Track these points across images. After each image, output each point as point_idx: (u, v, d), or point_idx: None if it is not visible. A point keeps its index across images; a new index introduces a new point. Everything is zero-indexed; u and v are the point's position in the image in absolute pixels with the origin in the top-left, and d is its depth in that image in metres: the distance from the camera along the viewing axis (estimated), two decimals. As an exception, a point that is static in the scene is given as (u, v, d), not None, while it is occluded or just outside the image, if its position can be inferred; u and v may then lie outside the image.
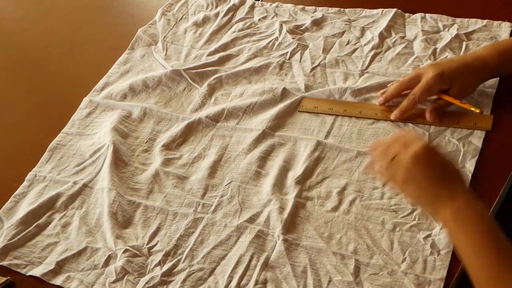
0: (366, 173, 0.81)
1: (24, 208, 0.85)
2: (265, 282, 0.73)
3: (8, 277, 0.77)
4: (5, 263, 0.79)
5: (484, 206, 0.67)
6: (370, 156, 0.76)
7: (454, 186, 0.67)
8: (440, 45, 0.99)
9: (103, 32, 1.20)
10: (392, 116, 0.88)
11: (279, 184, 0.83)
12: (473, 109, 0.85)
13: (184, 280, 0.74)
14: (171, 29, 1.15)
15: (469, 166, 0.80)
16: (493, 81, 0.91)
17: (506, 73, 0.89)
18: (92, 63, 1.12)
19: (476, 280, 0.64)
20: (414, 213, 0.76)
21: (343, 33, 1.07)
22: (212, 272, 0.75)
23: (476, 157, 0.81)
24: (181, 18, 1.17)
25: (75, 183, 0.88)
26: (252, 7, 1.16)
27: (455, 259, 0.71)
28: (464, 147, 0.83)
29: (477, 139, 0.84)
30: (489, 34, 1.00)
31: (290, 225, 0.78)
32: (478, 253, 0.64)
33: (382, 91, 0.92)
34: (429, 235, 0.74)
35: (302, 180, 0.83)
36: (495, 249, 0.63)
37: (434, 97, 0.88)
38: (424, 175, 0.68)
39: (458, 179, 0.69)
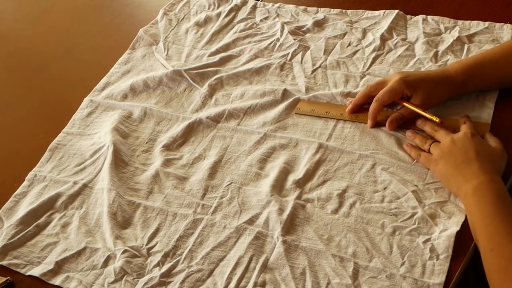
0: (405, 151, 0.84)
1: (24, 208, 0.85)
2: (264, 284, 0.73)
3: (8, 277, 0.77)
4: (4, 262, 0.79)
5: (505, 189, 0.72)
6: (409, 139, 0.85)
7: (484, 166, 0.74)
8: (441, 47, 0.99)
9: (103, 32, 1.20)
10: (368, 125, 0.88)
11: (279, 186, 0.83)
12: (434, 118, 0.84)
13: (183, 281, 0.74)
14: (173, 29, 1.15)
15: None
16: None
17: (473, 89, 0.89)
18: (92, 63, 1.12)
19: (482, 253, 0.69)
20: (414, 217, 0.76)
21: (344, 34, 1.07)
22: (211, 273, 0.75)
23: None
24: (183, 18, 1.17)
25: (75, 183, 0.88)
26: (254, 7, 1.16)
27: (454, 264, 0.71)
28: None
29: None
30: (491, 36, 1.00)
31: (290, 226, 0.78)
32: (486, 226, 0.69)
33: (350, 99, 0.92)
34: (428, 240, 0.73)
35: (302, 183, 0.83)
36: (502, 224, 0.68)
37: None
38: (457, 155, 0.77)
39: (490, 161, 0.76)
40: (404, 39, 1.03)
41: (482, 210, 0.71)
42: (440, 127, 0.83)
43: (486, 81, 0.88)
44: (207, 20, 1.15)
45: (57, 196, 0.86)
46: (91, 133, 0.96)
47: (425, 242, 0.73)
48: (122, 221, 0.82)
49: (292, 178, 0.84)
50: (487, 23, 1.02)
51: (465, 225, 0.74)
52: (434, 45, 1.00)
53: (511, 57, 0.87)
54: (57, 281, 0.76)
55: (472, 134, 0.79)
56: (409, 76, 0.86)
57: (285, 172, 0.84)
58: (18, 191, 0.88)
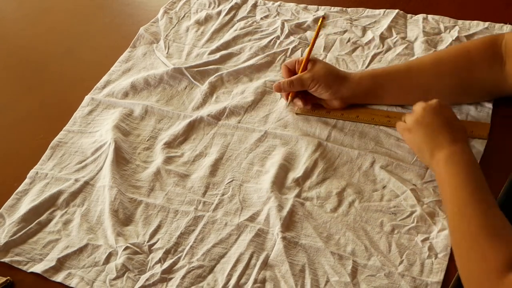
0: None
1: (25, 205, 0.85)
2: (264, 281, 0.73)
3: (8, 277, 0.77)
4: (6, 259, 0.79)
5: (475, 159, 0.75)
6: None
7: (456, 135, 0.76)
8: (440, 47, 1.00)
9: (103, 32, 1.20)
10: (274, 87, 0.92)
11: (279, 183, 0.83)
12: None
13: (184, 277, 0.75)
14: (173, 27, 1.15)
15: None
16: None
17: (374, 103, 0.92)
18: (92, 63, 1.12)
19: (450, 217, 0.72)
20: (413, 216, 0.77)
21: (344, 32, 1.07)
22: (211, 270, 0.75)
23: (478, 162, 0.81)
24: (183, 16, 1.18)
25: (76, 180, 0.88)
26: (255, 6, 1.17)
27: (452, 262, 0.71)
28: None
29: (479, 143, 0.84)
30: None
31: (289, 223, 0.78)
32: (456, 195, 0.72)
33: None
34: (427, 238, 0.74)
35: (302, 181, 0.83)
36: (472, 193, 0.71)
37: None
38: (430, 122, 0.79)
39: (461, 131, 0.78)
40: (403, 38, 1.03)
41: (453, 178, 0.73)
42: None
43: (387, 98, 0.90)
44: (207, 19, 1.15)
45: (59, 193, 0.86)
46: (92, 131, 0.96)
47: (423, 240, 0.74)
48: (123, 218, 0.82)
49: (291, 176, 0.84)
50: (487, 23, 1.03)
51: (463, 223, 0.74)
52: (433, 45, 1.01)
53: (413, 74, 0.88)
54: (59, 278, 0.77)
55: (442, 105, 0.81)
56: (320, 84, 0.89)
57: (285, 170, 0.85)
58: (20, 188, 0.88)
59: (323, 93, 0.90)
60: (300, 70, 0.91)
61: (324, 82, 0.89)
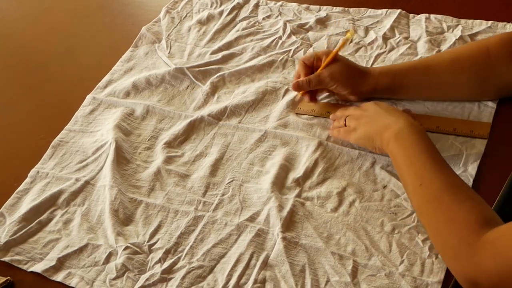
0: (332, 136, 0.89)
1: (26, 205, 0.85)
2: (264, 281, 0.73)
3: (8, 277, 0.77)
4: (6, 259, 0.79)
5: (425, 132, 0.77)
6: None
7: (399, 114, 0.80)
8: (444, 46, 0.99)
9: (103, 32, 1.20)
10: (293, 85, 0.92)
11: (279, 183, 0.83)
12: (347, 35, 0.91)
13: (184, 277, 0.75)
14: (175, 27, 1.15)
15: (471, 170, 0.80)
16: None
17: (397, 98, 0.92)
18: (92, 63, 1.12)
19: (412, 189, 0.72)
20: (413, 216, 0.76)
21: (347, 32, 1.07)
22: (211, 270, 0.75)
23: (478, 161, 0.81)
24: (185, 16, 1.18)
25: (77, 180, 0.88)
26: (257, 6, 1.17)
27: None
28: (467, 151, 0.83)
29: (480, 143, 0.84)
30: (493, 35, 1.00)
31: (289, 223, 0.78)
32: (413, 164, 0.73)
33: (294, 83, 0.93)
34: (427, 238, 0.73)
35: (302, 181, 0.83)
36: (429, 161, 0.72)
37: None
38: (371, 113, 0.82)
39: (402, 112, 0.81)
40: (406, 38, 1.03)
41: (406, 150, 0.75)
42: (348, 106, 0.89)
43: (405, 94, 0.90)
44: (209, 18, 1.15)
45: (59, 193, 0.87)
46: (93, 131, 0.96)
47: (424, 240, 0.73)
48: (123, 218, 0.82)
49: (292, 176, 0.84)
50: (489, 22, 1.02)
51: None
52: (436, 44, 1.00)
53: (432, 70, 0.88)
54: (59, 277, 0.77)
55: (364, 109, 0.84)
56: (340, 82, 0.89)
57: (285, 170, 0.85)
58: (21, 187, 0.88)
59: (342, 91, 0.90)
60: (320, 68, 0.90)
61: (343, 81, 0.89)
